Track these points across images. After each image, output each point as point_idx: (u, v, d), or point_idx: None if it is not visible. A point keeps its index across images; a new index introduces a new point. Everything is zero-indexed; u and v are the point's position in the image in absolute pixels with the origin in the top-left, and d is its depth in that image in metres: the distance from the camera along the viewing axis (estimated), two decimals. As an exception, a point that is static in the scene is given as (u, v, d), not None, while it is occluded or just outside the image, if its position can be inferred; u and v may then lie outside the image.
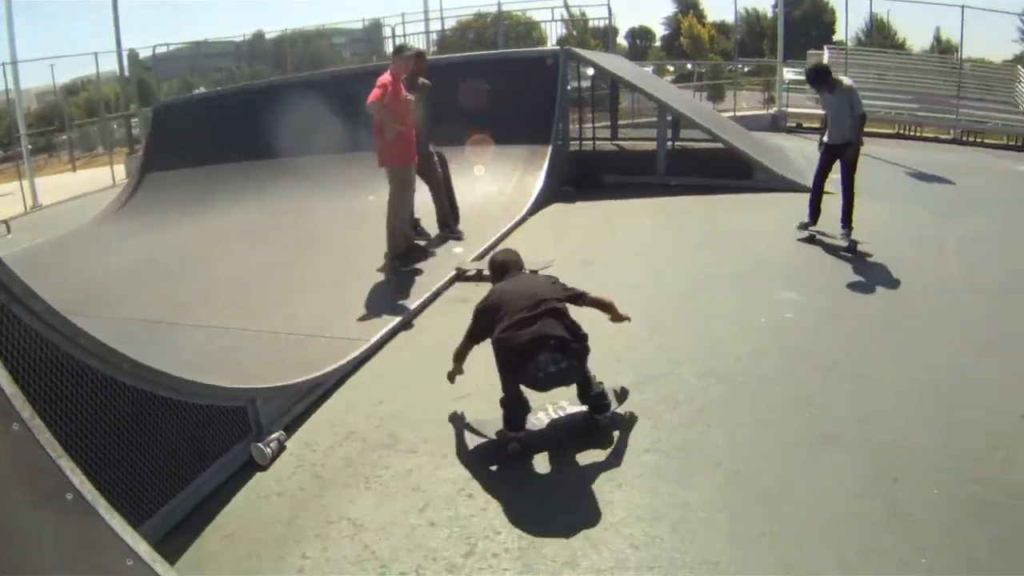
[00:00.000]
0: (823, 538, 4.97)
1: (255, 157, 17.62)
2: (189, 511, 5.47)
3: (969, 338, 8.27)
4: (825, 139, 11.87)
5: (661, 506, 5.35)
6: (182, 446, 5.45)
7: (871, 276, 10.31)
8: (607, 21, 34.61)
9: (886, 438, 6.18)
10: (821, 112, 12.13)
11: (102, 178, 27.24)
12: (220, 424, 5.87)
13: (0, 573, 3.56)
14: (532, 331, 5.88)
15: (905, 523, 5.10)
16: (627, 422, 6.53)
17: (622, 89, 21.89)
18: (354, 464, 6.05)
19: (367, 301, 9.58)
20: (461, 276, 10.54)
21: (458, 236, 12.35)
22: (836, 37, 49.20)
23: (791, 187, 14.46)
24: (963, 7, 30.59)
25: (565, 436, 6.43)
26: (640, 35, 70.37)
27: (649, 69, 37.00)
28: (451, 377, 6.64)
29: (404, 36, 35.68)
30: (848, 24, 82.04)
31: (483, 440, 6.35)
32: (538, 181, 15.06)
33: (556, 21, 36.52)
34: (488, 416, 6.48)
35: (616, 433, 6.36)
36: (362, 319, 8.97)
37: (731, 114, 30.05)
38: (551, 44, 30.72)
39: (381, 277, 10.56)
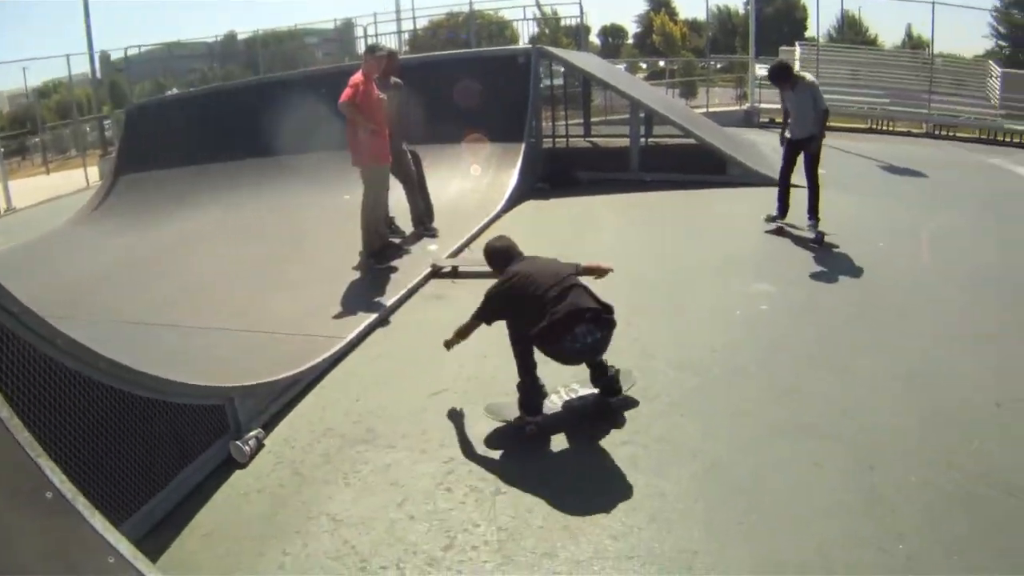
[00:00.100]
0: (801, 526, 5.03)
1: (228, 158, 17.55)
2: (169, 510, 5.47)
3: (943, 329, 8.36)
4: (787, 134, 11.97)
5: (639, 497, 5.40)
6: (161, 445, 5.45)
7: (845, 269, 10.38)
8: (579, 19, 34.65)
9: (862, 428, 6.25)
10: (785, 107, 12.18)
11: (76, 180, 27.11)
12: (199, 422, 5.87)
13: (-19, 572, 3.57)
14: (567, 305, 6.06)
15: (883, 510, 5.16)
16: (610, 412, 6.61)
17: (595, 87, 21.92)
18: (333, 460, 6.06)
19: (343, 299, 9.60)
20: (436, 273, 10.55)
21: (433, 234, 12.35)
22: (808, 33, 49.56)
23: (764, 181, 14.53)
24: (934, 3, 30.81)
25: (578, 419, 6.57)
26: (612, 33, 70.54)
27: (621, 67, 37.05)
28: (448, 345, 6.80)
29: (376, 36, 35.65)
30: (820, 20, 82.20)
31: (501, 424, 6.49)
32: (512, 178, 15.07)
33: (528, 20, 36.68)
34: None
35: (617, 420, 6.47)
36: (338, 317, 8.98)
37: (704, 110, 30.12)
38: (523, 43, 30.75)
39: (357, 275, 10.56)
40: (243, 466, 6.04)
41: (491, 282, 6.55)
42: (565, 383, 7.03)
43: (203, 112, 19.73)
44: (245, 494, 5.72)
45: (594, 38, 62.83)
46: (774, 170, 12.53)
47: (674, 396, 6.86)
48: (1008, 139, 27.74)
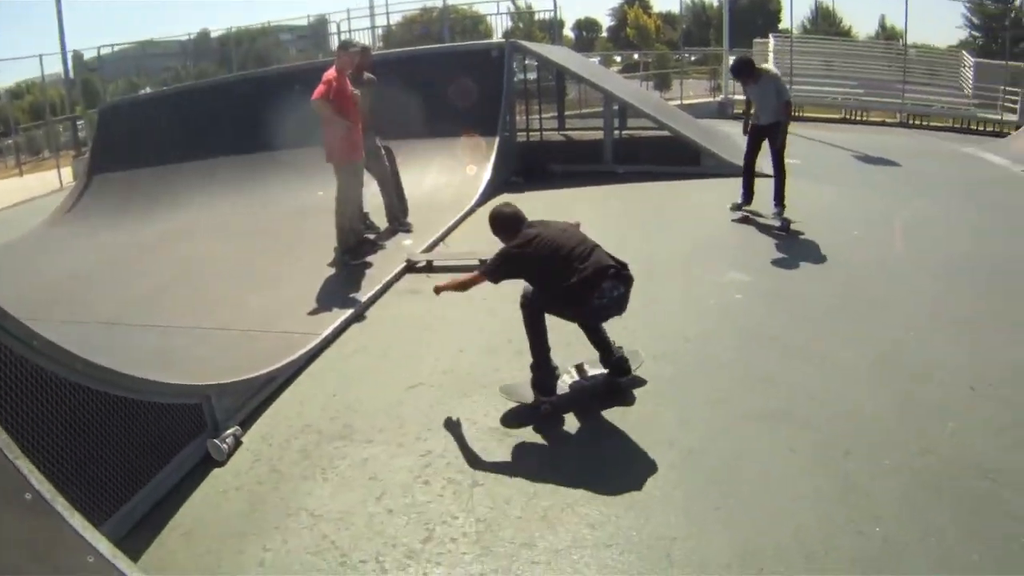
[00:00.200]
0: (778, 511, 5.08)
1: (202, 156, 17.47)
2: (148, 509, 5.45)
3: (916, 316, 8.43)
4: (752, 122, 12.14)
5: (616, 485, 5.43)
6: (139, 445, 5.43)
7: (819, 258, 10.45)
8: (553, 13, 34.74)
9: (836, 414, 6.31)
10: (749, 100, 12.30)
11: (49, 182, 26.93)
12: (176, 421, 5.86)
13: (-39, 574, 3.57)
14: (593, 262, 6.29)
15: (858, 495, 5.23)
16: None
17: (569, 80, 21.96)
18: (310, 456, 6.06)
19: (318, 295, 9.58)
20: (411, 268, 10.56)
21: (407, 229, 12.36)
22: (782, 25, 49.67)
23: (738, 172, 14.52)
24: (907, -6, 31.06)
25: (588, 399, 6.69)
26: (586, 27, 70.70)
27: (595, 60, 37.13)
28: (440, 290, 6.89)
29: (350, 32, 35.66)
30: (793, 12, 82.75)
31: (516, 404, 6.62)
32: (486, 172, 15.11)
33: (502, 14, 36.65)
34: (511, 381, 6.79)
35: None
36: (314, 313, 8.97)
37: (678, 102, 30.28)
38: (497, 37, 30.78)
39: (332, 271, 10.55)
40: (221, 464, 6.02)
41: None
42: (576, 363, 7.13)
43: (177, 111, 19.60)
44: (224, 492, 5.70)
45: (568, 32, 63.00)
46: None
47: (649, 385, 6.90)
48: (981, 128, 28.05)
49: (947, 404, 6.41)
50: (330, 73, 10.15)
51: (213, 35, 45.60)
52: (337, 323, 8.52)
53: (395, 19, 41.63)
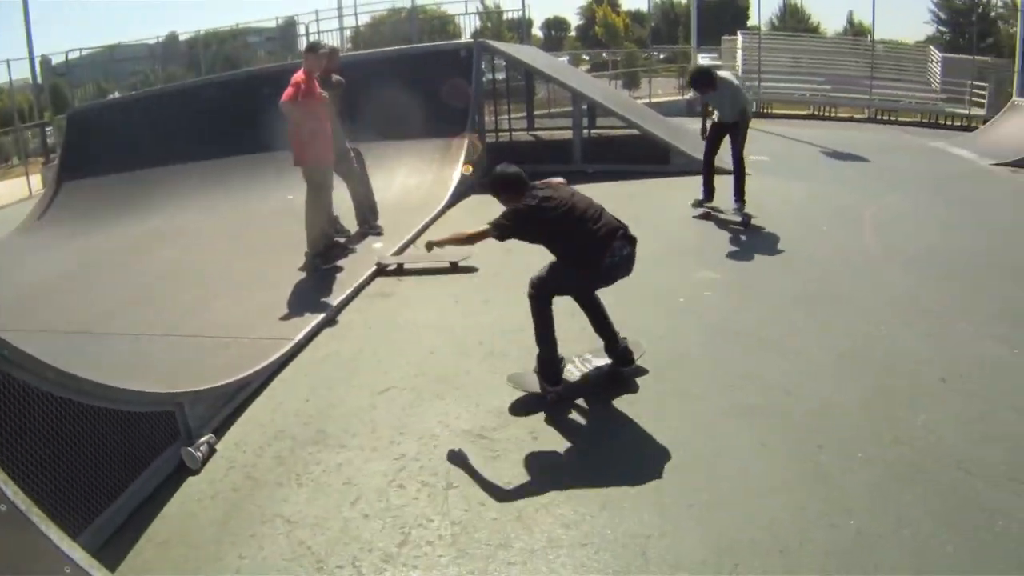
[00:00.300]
0: (752, 506, 5.12)
1: (172, 161, 17.36)
2: (124, 519, 5.41)
3: (887, 310, 8.53)
4: (709, 123, 12.36)
5: (590, 484, 5.46)
6: (114, 454, 5.40)
7: (788, 253, 10.53)
8: (521, 13, 34.73)
9: (809, 407, 6.39)
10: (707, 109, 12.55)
11: (18, 190, 26.65)
12: (150, 430, 5.82)
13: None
14: (605, 223, 6.58)
15: (831, 487, 5.29)
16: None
17: (538, 80, 21.98)
18: (285, 462, 6.04)
19: (289, 300, 9.55)
20: (382, 271, 10.54)
21: (378, 232, 12.34)
22: (751, 22, 49.83)
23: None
24: (874, -11, 31.35)
25: (593, 388, 6.84)
26: (555, 26, 70.71)
27: (564, 59, 37.15)
28: (434, 245, 6.84)
29: (319, 33, 35.55)
30: (761, 9, 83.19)
31: (524, 393, 6.74)
32: (455, 173, 15.09)
33: (471, 14, 36.63)
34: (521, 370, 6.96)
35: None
36: (285, 318, 8.94)
37: (646, 101, 30.32)
38: (466, 37, 30.78)
39: (302, 276, 10.50)
40: (196, 472, 5.99)
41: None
42: (579, 354, 7.24)
43: (145, 115, 19.46)
44: (199, 500, 5.68)
45: (537, 31, 63.16)
46: (719, 158, 12.69)
47: (621, 384, 6.94)
48: (949, 122, 28.30)
49: (918, 396, 6.50)
50: (298, 76, 10.14)
51: (181, 38, 45.37)
52: (308, 328, 8.50)
53: (364, 20, 41.53)
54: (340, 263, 10.82)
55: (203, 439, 6.20)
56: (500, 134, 18.86)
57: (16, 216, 19.35)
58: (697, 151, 14.78)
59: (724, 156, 12.47)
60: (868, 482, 5.33)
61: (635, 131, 16.70)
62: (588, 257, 6.48)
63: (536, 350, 6.73)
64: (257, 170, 15.73)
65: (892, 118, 30.02)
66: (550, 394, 6.69)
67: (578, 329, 7.12)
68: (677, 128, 19.26)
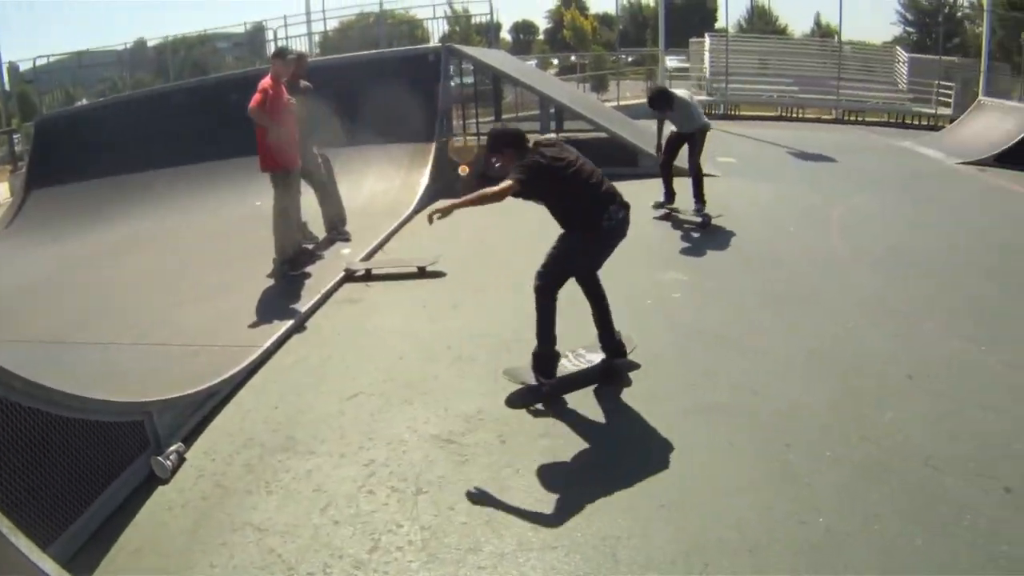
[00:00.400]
0: (721, 505, 5.16)
1: (140, 168, 17.28)
2: (94, 530, 5.38)
3: (854, 309, 8.62)
4: (675, 129, 12.51)
5: (559, 486, 5.49)
6: (83, 464, 5.38)
7: (755, 254, 10.60)
8: (490, 16, 34.72)
9: (777, 407, 6.45)
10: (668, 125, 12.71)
11: (-15, 198, 26.58)
12: (119, 439, 5.78)
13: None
14: (606, 187, 6.82)
15: (799, 486, 5.34)
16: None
17: (506, 83, 22.02)
18: (254, 470, 6.02)
19: (258, 307, 9.52)
20: (350, 277, 10.51)
21: (345, 237, 12.32)
22: (718, 24, 49.97)
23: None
24: (841, -8, 31.57)
25: (584, 382, 6.99)
26: (523, 29, 70.89)
27: (532, 63, 37.20)
28: (435, 215, 6.87)
29: (287, 39, 35.41)
30: (729, 11, 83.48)
31: (520, 386, 6.85)
32: (423, 178, 15.15)
33: (439, 19, 36.65)
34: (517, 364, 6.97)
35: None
36: (254, 325, 8.90)
37: (615, 103, 30.35)
38: (434, 42, 30.75)
39: (271, 282, 10.48)
40: (165, 481, 5.95)
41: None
42: (573, 349, 7.33)
43: (114, 122, 19.34)
44: (169, 509, 5.65)
45: (505, 35, 63.19)
46: (682, 160, 12.78)
47: (589, 388, 6.99)
48: (916, 122, 28.49)
49: (885, 394, 6.58)
50: (266, 82, 10.12)
51: (150, 44, 45.09)
52: (277, 335, 8.47)
53: (332, 25, 41.42)
54: (308, 269, 10.80)
55: (172, 448, 6.16)
56: (468, 138, 18.78)
57: (-18, 226, 19.22)
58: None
59: (684, 159, 12.57)
60: (836, 480, 5.38)
61: (603, 134, 16.76)
62: (591, 220, 6.64)
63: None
64: (225, 176, 15.68)
65: (859, 118, 30.20)
66: (544, 387, 6.80)
67: (572, 325, 7.16)
68: (645, 130, 19.24)
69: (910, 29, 56.52)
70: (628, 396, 6.77)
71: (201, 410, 6.86)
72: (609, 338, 7.08)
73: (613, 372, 7.09)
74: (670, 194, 12.88)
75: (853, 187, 15.13)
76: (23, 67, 39.28)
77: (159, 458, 5.99)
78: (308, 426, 6.60)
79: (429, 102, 16.70)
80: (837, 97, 30.76)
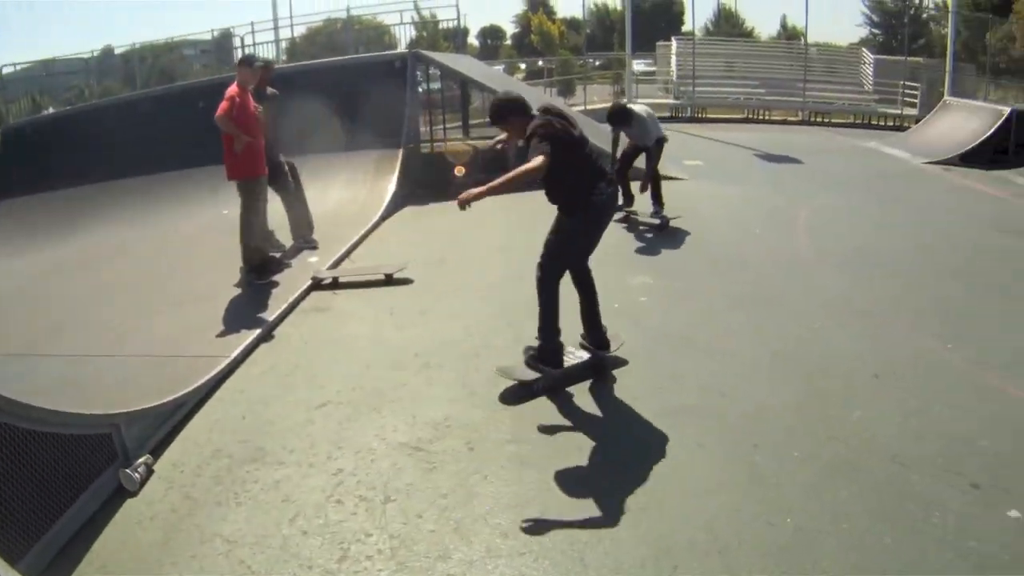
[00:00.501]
0: (688, 508, 5.20)
1: (108, 177, 17.19)
2: (63, 544, 5.34)
3: (820, 309, 8.73)
4: (631, 142, 12.83)
5: (527, 493, 5.50)
6: (51, 478, 5.34)
7: (721, 256, 10.68)
8: (457, 22, 34.69)
9: (745, 408, 6.51)
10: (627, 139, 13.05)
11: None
12: (87, 452, 5.75)
13: None
14: (600, 163, 7.02)
15: (767, 486, 5.39)
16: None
17: (473, 88, 22.04)
18: (223, 481, 6.00)
19: (225, 317, 9.47)
20: (317, 285, 10.47)
21: (313, 245, 12.28)
22: (685, 28, 50.11)
23: (638, 176, 14.81)
24: (807, -5, 31.82)
25: (576, 378, 7.11)
26: (491, 34, 70.85)
27: (499, 68, 37.24)
28: (472, 200, 6.38)
29: (254, 45, 35.25)
30: (696, 15, 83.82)
31: (513, 383, 6.95)
32: (390, 185, 15.17)
33: (406, 24, 36.52)
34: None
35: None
36: (221, 335, 8.86)
37: (582, 108, 30.37)
38: (402, 47, 30.72)
39: (238, 291, 10.43)
40: (134, 494, 5.92)
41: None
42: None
43: (82, 131, 19.24)
44: (138, 522, 5.62)
45: (473, 40, 63.22)
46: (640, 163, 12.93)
47: (558, 390, 7.01)
48: (882, 122, 28.71)
49: (852, 394, 6.68)
50: (232, 89, 10.09)
51: (117, 52, 44.85)
52: (244, 345, 8.44)
53: (299, 31, 41.30)
54: (275, 278, 10.74)
55: (140, 460, 6.14)
56: (436, 144, 18.83)
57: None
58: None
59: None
60: (804, 480, 5.44)
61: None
62: (582, 192, 6.67)
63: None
64: (193, 185, 15.61)
65: (826, 120, 30.43)
66: (537, 384, 6.91)
67: (562, 325, 7.15)
68: (610, 134, 19.37)
69: (876, 31, 56.99)
70: (596, 400, 6.81)
71: (169, 421, 6.82)
72: (596, 332, 7.17)
73: (602, 367, 7.19)
74: (629, 197, 13.06)
75: (819, 188, 15.24)
76: (-11, 75, 39.00)
77: (127, 470, 5.96)
78: (276, 436, 6.59)
79: (396, 108, 16.69)
80: (803, 99, 30.95)
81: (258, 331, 8.82)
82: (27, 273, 13.76)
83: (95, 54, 43.63)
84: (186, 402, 7.13)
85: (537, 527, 5.10)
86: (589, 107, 31.09)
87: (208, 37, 44.31)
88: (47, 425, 5.34)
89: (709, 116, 31.78)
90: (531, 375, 7.01)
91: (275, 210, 11.76)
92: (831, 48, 39.07)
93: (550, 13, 63.75)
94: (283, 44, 37.95)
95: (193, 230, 14.17)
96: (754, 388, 6.87)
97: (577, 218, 6.78)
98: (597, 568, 4.69)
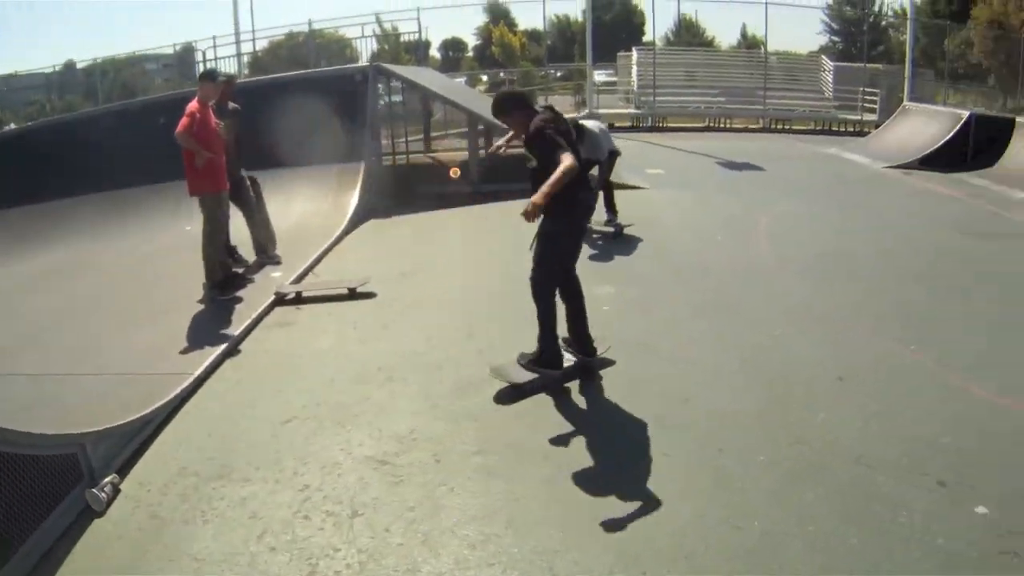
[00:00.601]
0: (654, 516, 5.24)
1: (68, 193, 17.02)
2: (29, 569, 5.29)
3: (782, 315, 8.84)
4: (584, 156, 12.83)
5: (494, 504, 5.52)
6: (15, 500, 5.30)
7: (682, 264, 10.76)
8: (418, 35, 34.76)
9: (709, 415, 6.58)
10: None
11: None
12: (52, 473, 5.72)
13: None
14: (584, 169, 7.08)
15: (733, 491, 5.45)
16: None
17: (435, 101, 22.06)
18: (190, 499, 5.97)
19: (189, 333, 9.43)
20: (280, 300, 10.45)
21: (276, 260, 12.25)
22: (646, 38, 50.30)
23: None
24: (767, 3, 32.02)
25: (565, 379, 7.26)
26: (453, 46, 70.87)
27: (461, 80, 37.28)
28: (530, 216, 6.40)
29: (215, 60, 35.24)
30: (656, 25, 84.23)
31: (505, 385, 7.12)
32: (353, 199, 15.18)
33: (368, 37, 36.54)
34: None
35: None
36: (185, 352, 8.82)
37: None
38: (364, 60, 30.73)
39: (202, 307, 10.39)
40: (101, 514, 5.88)
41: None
42: None
43: (41, 147, 19.12)
44: (106, 542, 5.58)
45: (435, 52, 63.22)
46: (617, 175, 13.00)
47: (521, 402, 7.06)
48: (842, 128, 29.02)
49: (815, 397, 6.77)
50: (193, 105, 10.05)
51: (79, 66, 44.74)
52: (209, 361, 8.40)
53: (261, 45, 41.29)
54: (239, 293, 10.71)
55: (107, 479, 6.10)
56: (398, 157, 18.85)
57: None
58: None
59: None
60: (770, 484, 5.51)
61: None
62: (572, 197, 6.65)
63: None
64: (154, 201, 15.50)
65: (786, 127, 30.73)
66: (540, 381, 7.09)
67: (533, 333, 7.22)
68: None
69: (835, 38, 57.71)
70: (561, 410, 6.85)
71: (136, 439, 6.79)
72: (583, 337, 7.26)
73: (590, 369, 7.32)
74: None
75: (780, 195, 15.36)
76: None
77: (94, 490, 5.92)
78: (242, 452, 6.56)
79: (358, 122, 16.71)
80: (764, 107, 31.22)
81: (222, 347, 8.79)
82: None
83: (57, 69, 43.51)
84: (152, 419, 7.09)
85: (505, 538, 5.12)
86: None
87: (170, 51, 44.29)
88: (12, 446, 5.29)
89: (670, 125, 31.93)
90: (524, 376, 7.09)
91: (238, 225, 11.74)
92: (791, 56, 39.45)
93: (511, 25, 63.85)
94: (245, 58, 37.95)
95: (155, 247, 14.07)
96: (717, 395, 6.94)
97: (562, 220, 6.82)
98: (565, 577, 4.71)
